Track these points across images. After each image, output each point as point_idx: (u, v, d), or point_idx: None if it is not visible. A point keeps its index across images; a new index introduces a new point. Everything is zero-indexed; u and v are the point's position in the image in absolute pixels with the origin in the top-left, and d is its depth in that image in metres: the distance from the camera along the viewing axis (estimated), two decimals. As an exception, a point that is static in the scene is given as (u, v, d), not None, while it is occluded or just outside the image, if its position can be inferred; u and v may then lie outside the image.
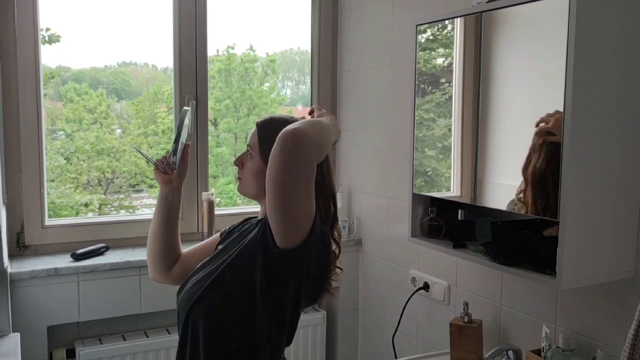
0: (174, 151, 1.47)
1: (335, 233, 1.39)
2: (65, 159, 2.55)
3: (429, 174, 1.83)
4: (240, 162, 1.41)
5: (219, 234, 1.56)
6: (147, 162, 1.53)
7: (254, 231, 1.30)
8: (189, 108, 1.53)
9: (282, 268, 1.22)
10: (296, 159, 1.12)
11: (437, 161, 1.80)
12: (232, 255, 1.29)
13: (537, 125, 1.42)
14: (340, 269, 1.43)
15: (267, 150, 1.32)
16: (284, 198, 1.15)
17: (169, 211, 1.52)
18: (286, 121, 1.36)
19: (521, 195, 1.48)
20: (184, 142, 1.50)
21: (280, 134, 1.13)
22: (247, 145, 1.39)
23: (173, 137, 1.51)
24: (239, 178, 1.42)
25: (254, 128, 1.38)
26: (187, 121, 1.50)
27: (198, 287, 1.29)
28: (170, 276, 1.54)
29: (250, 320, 1.25)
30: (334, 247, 1.36)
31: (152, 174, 2.64)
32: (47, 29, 2.25)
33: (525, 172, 1.46)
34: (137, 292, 2.17)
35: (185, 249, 1.58)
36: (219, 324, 1.26)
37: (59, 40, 2.28)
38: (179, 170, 1.50)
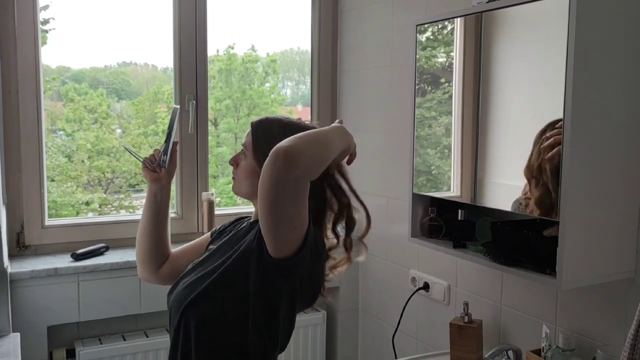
0: (165, 150, 1.47)
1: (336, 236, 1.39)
2: (66, 156, 2.55)
3: (433, 172, 1.82)
4: (234, 162, 1.41)
5: (209, 233, 1.56)
6: (145, 162, 1.53)
7: (250, 235, 1.29)
8: (178, 106, 1.54)
9: (275, 277, 1.21)
10: (286, 179, 1.10)
11: (439, 159, 1.80)
12: (227, 261, 1.28)
13: (544, 140, 1.41)
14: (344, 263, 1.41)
15: (260, 150, 1.32)
16: (273, 213, 1.14)
17: (158, 209, 1.51)
18: (281, 122, 1.35)
19: (528, 194, 1.47)
20: (173, 140, 1.50)
21: (273, 149, 1.10)
22: (242, 145, 1.39)
23: (164, 136, 1.51)
24: (233, 177, 1.42)
25: (249, 128, 1.38)
26: (177, 122, 1.50)
27: (190, 289, 1.29)
28: (159, 275, 1.54)
29: (243, 326, 1.24)
30: (328, 249, 1.37)
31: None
32: (45, 26, 2.25)
33: (534, 173, 1.45)
34: (137, 292, 2.17)
35: (174, 248, 1.58)
36: (211, 328, 1.26)
37: (46, 43, 2.27)
38: (167, 169, 1.50)
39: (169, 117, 1.54)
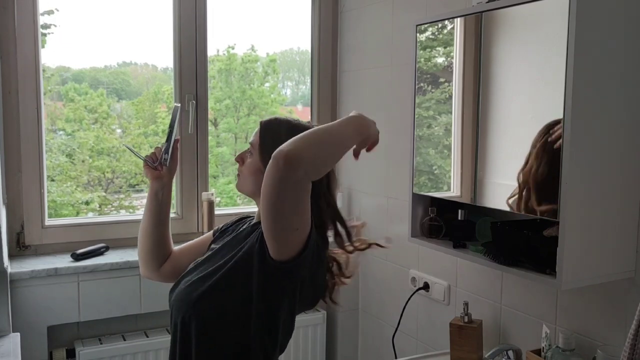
0: (166, 149, 1.48)
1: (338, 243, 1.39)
2: (66, 155, 2.55)
3: (435, 171, 1.82)
4: (240, 159, 1.42)
5: (211, 232, 1.56)
6: (147, 161, 1.53)
7: (252, 237, 1.29)
8: (179, 105, 1.54)
9: (277, 279, 1.22)
10: (288, 182, 1.10)
11: (440, 159, 1.80)
12: (230, 262, 1.28)
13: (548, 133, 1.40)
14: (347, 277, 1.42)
15: (266, 150, 1.32)
16: (276, 216, 1.14)
17: (159, 207, 1.52)
18: (289, 123, 1.36)
19: (515, 197, 1.48)
20: (174, 138, 1.51)
21: (274, 153, 1.10)
22: (249, 143, 1.40)
23: (164, 135, 1.52)
24: (238, 175, 1.42)
25: (258, 126, 1.39)
26: (179, 120, 1.51)
27: (192, 289, 1.29)
28: (161, 273, 1.54)
29: (244, 327, 1.25)
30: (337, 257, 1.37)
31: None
32: (46, 26, 2.26)
33: (526, 176, 1.45)
34: (137, 292, 2.17)
35: (176, 246, 1.58)
36: (212, 328, 1.26)
37: (46, 43, 2.27)
38: (169, 167, 1.50)
39: (170, 117, 1.54)
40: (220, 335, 1.26)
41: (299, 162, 1.10)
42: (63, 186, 2.51)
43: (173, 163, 1.52)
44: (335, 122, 1.26)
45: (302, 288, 1.26)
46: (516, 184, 1.49)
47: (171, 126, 1.50)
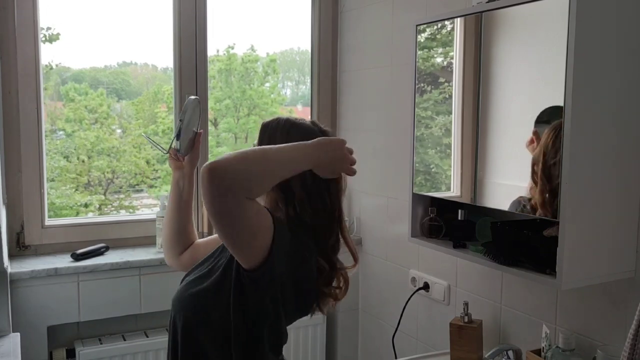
0: (177, 136, 1.53)
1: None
2: (64, 157, 2.55)
3: (432, 170, 1.82)
4: None
5: None
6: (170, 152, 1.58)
7: None
8: (193, 97, 1.57)
9: (251, 288, 1.22)
10: (214, 195, 1.07)
11: (439, 159, 1.80)
12: (220, 269, 1.29)
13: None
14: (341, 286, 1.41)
15: None
16: (218, 228, 1.14)
17: (180, 196, 1.56)
18: (288, 122, 1.36)
19: (531, 197, 1.46)
20: (195, 130, 1.57)
21: (202, 167, 1.09)
22: (252, 145, 1.41)
23: (169, 133, 1.55)
24: None
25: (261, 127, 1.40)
26: (192, 110, 1.56)
27: (186, 289, 1.32)
28: (180, 262, 1.57)
29: (226, 335, 1.25)
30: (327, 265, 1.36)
31: (152, 174, 2.65)
32: (48, 28, 2.26)
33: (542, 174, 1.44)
34: (137, 292, 2.17)
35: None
36: (197, 331, 1.28)
37: (58, 39, 2.28)
38: (190, 158, 1.56)
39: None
40: (204, 339, 1.28)
41: (224, 174, 1.07)
42: (62, 188, 2.51)
43: (194, 154, 1.57)
44: (285, 144, 1.23)
45: (283, 295, 1.25)
46: (516, 185, 1.48)
47: (180, 116, 1.55)
